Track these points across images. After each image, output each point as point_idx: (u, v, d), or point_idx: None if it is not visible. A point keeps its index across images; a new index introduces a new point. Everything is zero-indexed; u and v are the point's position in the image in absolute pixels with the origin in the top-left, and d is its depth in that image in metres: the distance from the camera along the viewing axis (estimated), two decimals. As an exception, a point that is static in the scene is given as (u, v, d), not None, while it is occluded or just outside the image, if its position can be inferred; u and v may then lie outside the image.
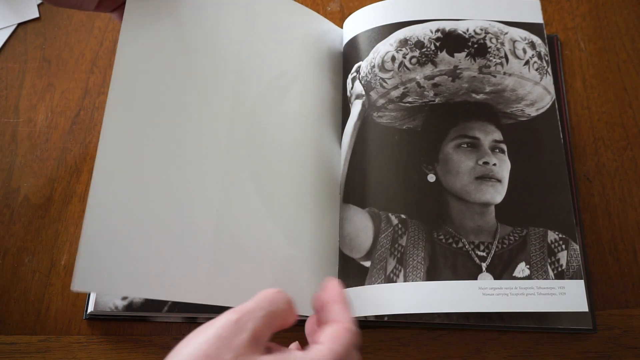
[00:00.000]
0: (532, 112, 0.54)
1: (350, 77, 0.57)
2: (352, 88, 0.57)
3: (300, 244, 0.51)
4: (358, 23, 0.59)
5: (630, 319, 0.52)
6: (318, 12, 0.65)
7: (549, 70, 0.55)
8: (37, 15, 0.66)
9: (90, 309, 0.51)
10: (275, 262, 0.50)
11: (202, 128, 0.54)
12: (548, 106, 0.54)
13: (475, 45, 0.55)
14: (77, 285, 0.41)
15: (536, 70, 0.55)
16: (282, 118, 0.56)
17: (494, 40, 0.55)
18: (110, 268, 0.42)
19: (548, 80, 0.55)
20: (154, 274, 0.44)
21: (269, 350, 0.36)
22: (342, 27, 0.61)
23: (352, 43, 0.59)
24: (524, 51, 0.55)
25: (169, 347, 0.52)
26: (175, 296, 0.43)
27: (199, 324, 0.37)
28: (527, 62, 0.55)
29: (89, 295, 0.52)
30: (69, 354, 0.51)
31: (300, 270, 0.50)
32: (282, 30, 0.58)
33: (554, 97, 0.54)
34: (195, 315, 0.52)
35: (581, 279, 0.48)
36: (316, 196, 0.53)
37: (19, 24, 0.66)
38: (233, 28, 0.55)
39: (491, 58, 0.55)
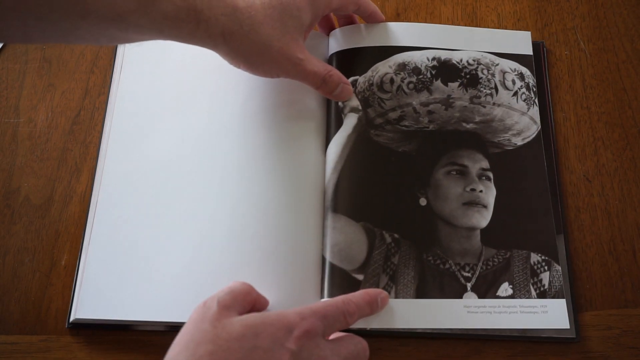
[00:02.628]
0: (519, 141, 0.57)
1: None
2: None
3: (281, 250, 0.51)
4: (353, 37, 0.60)
5: (630, 319, 0.52)
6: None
7: (536, 101, 0.59)
8: (37, 15, 0.66)
9: (73, 317, 0.50)
10: (256, 269, 0.51)
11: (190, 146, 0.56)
12: (534, 135, 0.57)
13: (468, 76, 0.59)
14: (80, 313, 0.49)
15: (524, 101, 0.58)
16: (262, 124, 0.57)
17: (485, 72, 0.59)
18: (110, 297, 0.50)
19: (535, 111, 0.58)
20: (150, 299, 0.50)
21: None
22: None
23: (347, 55, 0.59)
24: (513, 82, 0.59)
25: (169, 347, 0.52)
26: (171, 317, 0.49)
27: None
28: (515, 93, 0.58)
29: (72, 301, 0.51)
30: (69, 354, 0.51)
31: (281, 276, 0.50)
32: None
33: (540, 127, 0.58)
34: (179, 322, 0.51)
35: (563, 298, 0.51)
36: (298, 201, 0.53)
37: (19, 24, 0.66)
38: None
39: (482, 89, 0.58)
